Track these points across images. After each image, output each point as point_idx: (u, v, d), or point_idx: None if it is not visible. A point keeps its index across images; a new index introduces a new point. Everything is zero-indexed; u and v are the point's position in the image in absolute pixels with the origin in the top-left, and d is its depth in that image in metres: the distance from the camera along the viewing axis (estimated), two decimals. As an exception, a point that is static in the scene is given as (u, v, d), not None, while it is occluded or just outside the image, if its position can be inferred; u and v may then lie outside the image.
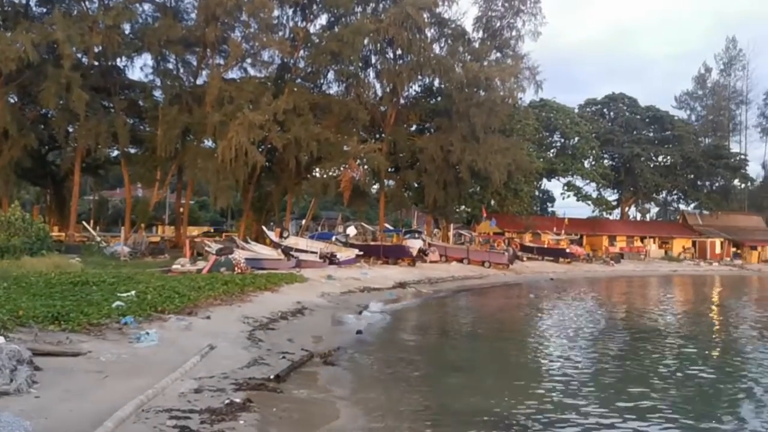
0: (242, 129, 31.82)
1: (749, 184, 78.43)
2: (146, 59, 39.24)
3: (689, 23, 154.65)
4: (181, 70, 40.08)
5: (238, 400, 7.63)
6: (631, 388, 10.29)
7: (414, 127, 47.42)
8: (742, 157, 74.75)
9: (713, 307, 26.59)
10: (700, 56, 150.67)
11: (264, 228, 36.38)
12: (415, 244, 37.26)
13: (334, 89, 43.12)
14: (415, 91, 46.42)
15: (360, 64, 41.50)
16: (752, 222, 71.95)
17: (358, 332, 14.42)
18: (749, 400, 10.06)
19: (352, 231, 38.72)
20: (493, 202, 53.24)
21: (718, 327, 20.02)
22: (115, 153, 42.69)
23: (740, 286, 41.00)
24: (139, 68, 43.60)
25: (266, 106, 32.99)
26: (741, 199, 76.27)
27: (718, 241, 65.05)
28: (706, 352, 14.93)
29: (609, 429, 7.98)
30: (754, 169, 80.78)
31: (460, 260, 39.81)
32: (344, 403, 8.62)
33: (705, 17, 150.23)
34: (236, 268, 23.37)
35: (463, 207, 54.48)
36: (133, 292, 14.20)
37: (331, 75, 42.11)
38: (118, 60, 39.05)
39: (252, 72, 40.14)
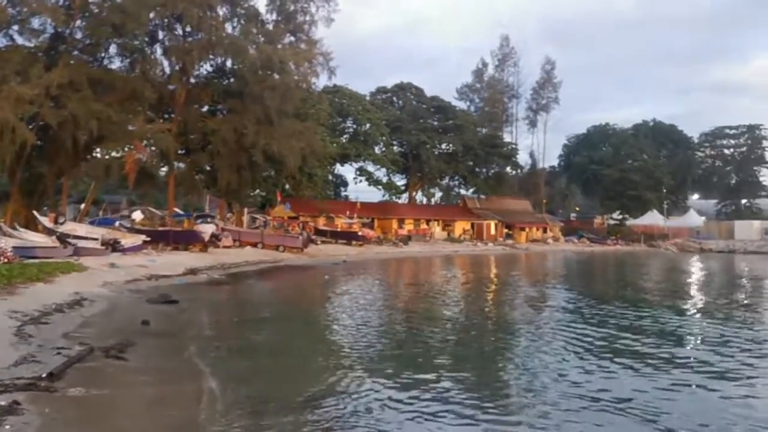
0: (8, 104, 28.50)
1: (519, 170, 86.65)
2: None
3: (468, 20, 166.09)
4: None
5: (2, 403, 6.85)
6: (419, 361, 10.85)
7: (206, 108, 45.73)
8: (514, 146, 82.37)
9: (487, 281, 28.99)
10: (480, 51, 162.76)
11: (36, 213, 33.01)
12: (207, 229, 36.14)
13: (117, 64, 40.12)
14: (206, 70, 44.68)
15: (146, 39, 39.08)
16: (521, 205, 79.50)
17: (145, 322, 13.57)
18: (519, 356, 11.07)
19: (138, 216, 36.63)
20: (287, 186, 53.27)
21: (491, 296, 21.84)
22: None
23: (510, 261, 45.50)
24: None
25: (37, 79, 29.87)
26: (512, 184, 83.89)
27: (492, 223, 70.94)
28: (488, 321, 16.19)
29: (401, 403, 8.28)
30: (523, 158, 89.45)
31: (255, 245, 39.36)
32: (127, 398, 8.09)
33: (484, 15, 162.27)
34: (1, 257, 21.01)
35: (257, 191, 53.93)
36: None
37: (113, 49, 39.16)
38: None
39: (20, 41, 36.10)
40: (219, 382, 9.03)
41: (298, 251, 40.10)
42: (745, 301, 21.78)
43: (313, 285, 26.84)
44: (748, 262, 48.40)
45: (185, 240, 34.48)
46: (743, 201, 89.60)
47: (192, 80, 42.36)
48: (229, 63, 43.31)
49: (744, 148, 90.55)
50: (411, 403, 8.23)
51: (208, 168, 45.34)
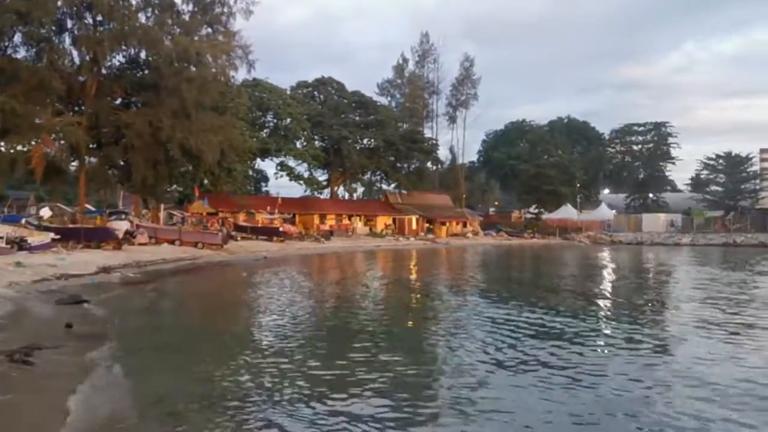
0: None
1: (439, 166, 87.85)
2: None
3: (388, 16, 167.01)
4: None
5: None
6: (344, 352, 10.81)
7: (119, 101, 44.10)
8: (434, 142, 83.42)
9: (407, 276, 29.28)
10: (400, 47, 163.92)
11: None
12: (121, 226, 35.00)
13: (21, 53, 38.18)
14: (119, 61, 43.10)
15: (53, 28, 37.38)
16: (442, 200, 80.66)
17: (68, 326, 12.90)
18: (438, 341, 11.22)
19: (46, 212, 35.05)
20: (206, 181, 52.15)
21: (408, 292, 22.07)
22: None
23: (431, 256, 46.12)
24: None
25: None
26: (433, 179, 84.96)
27: (414, 218, 71.67)
28: (403, 312, 16.33)
29: (317, 402, 8.22)
30: (443, 153, 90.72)
31: (172, 242, 38.30)
32: (34, 406, 7.69)
33: (404, 11, 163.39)
34: None
35: (174, 186, 52.50)
36: None
37: (18, 38, 37.21)
38: None
39: None
40: (140, 382, 8.74)
41: (218, 248, 39.29)
42: (650, 296, 22.81)
43: (232, 282, 26.39)
44: (654, 253, 50.80)
45: (97, 237, 33.14)
46: (650, 195, 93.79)
47: (104, 71, 40.82)
48: (143, 54, 41.87)
49: (651, 145, 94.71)
50: (324, 402, 8.18)
51: (121, 163, 43.77)
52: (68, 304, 16.22)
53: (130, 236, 35.24)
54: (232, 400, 8.18)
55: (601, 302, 19.41)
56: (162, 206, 49.08)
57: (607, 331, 13.96)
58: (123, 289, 21.57)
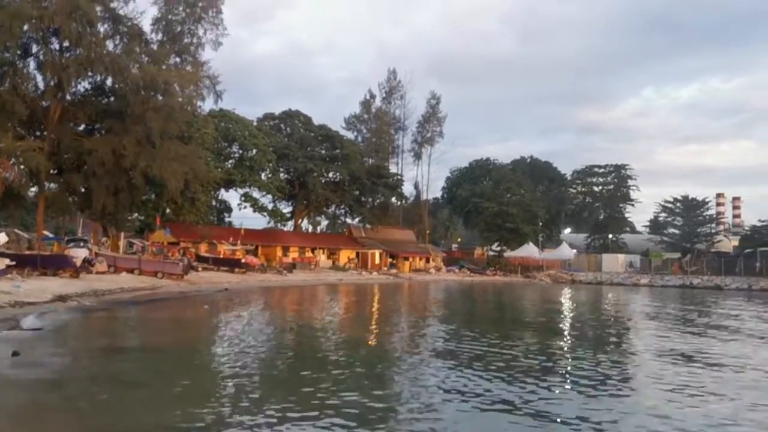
0: None
1: (404, 201, 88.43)
2: None
3: (357, 51, 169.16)
4: None
5: None
6: (303, 385, 10.73)
7: (83, 127, 43.72)
8: (399, 177, 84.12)
9: (369, 311, 29.20)
10: (368, 83, 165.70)
11: None
12: (79, 254, 34.31)
13: (-16, 77, 37.73)
14: (84, 87, 42.89)
15: (18, 52, 37.05)
16: (405, 235, 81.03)
17: (15, 353, 12.56)
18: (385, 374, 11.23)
19: (2, 238, 34.21)
20: (168, 210, 51.63)
21: (369, 327, 22.03)
22: None
23: (393, 290, 45.95)
24: None
25: None
26: (397, 214, 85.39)
27: (377, 252, 71.74)
28: (360, 348, 16.29)
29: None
30: (408, 189, 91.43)
31: (131, 271, 37.69)
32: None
33: (373, 47, 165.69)
34: None
35: (135, 215, 51.85)
36: None
37: (-20, 60, 36.82)
38: None
39: None
40: (91, 414, 8.56)
41: (178, 278, 38.78)
42: (610, 336, 23.14)
43: (192, 314, 25.99)
44: (614, 293, 51.50)
45: (54, 265, 32.47)
46: (610, 236, 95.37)
47: (68, 97, 40.48)
48: (109, 81, 41.72)
49: (611, 187, 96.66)
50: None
51: (82, 189, 43.17)
52: (20, 330, 15.85)
53: (88, 264, 34.60)
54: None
55: (562, 342, 19.61)
56: (122, 234, 48.36)
57: (569, 368, 14.11)
58: (78, 318, 21.12)
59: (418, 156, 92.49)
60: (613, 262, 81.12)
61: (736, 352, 16.71)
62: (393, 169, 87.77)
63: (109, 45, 40.08)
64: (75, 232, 50.56)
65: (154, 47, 42.44)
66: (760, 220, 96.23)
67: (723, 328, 23.40)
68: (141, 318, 23.84)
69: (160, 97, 40.46)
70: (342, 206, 79.68)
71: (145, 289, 33.14)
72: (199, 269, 45.41)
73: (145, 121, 38.64)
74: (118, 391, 10.50)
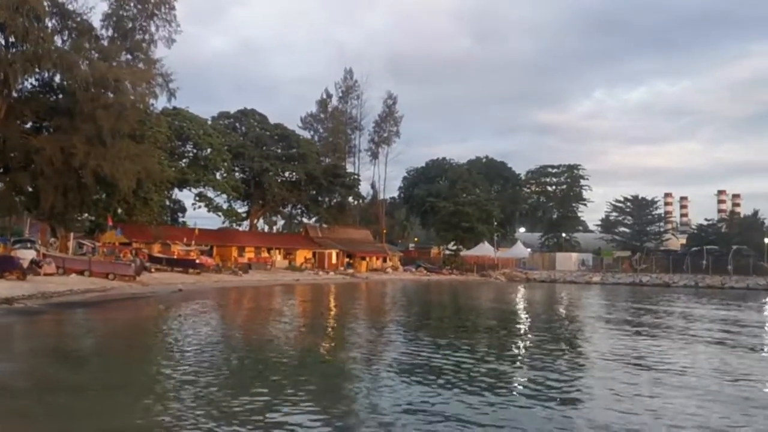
0: None
1: (361, 201, 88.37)
2: None
3: (313, 50, 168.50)
4: None
5: None
6: (255, 385, 10.62)
7: (30, 125, 42.52)
8: (356, 177, 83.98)
9: (324, 311, 29.14)
10: (324, 82, 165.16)
11: None
12: (26, 255, 33.41)
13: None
14: (31, 84, 41.72)
15: (-39, 48, 35.89)
16: (362, 235, 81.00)
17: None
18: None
19: (-56, 240, 33.07)
20: (120, 210, 50.57)
21: (323, 328, 21.98)
22: None
23: (349, 290, 46.08)
24: None
25: None
26: (354, 214, 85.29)
27: (334, 252, 71.57)
28: (314, 353, 16.23)
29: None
30: (364, 188, 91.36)
31: (82, 272, 36.79)
32: None
33: (326, 47, 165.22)
34: None
35: (85, 215, 50.65)
36: None
37: None
38: None
39: None
40: (45, 422, 8.34)
41: (130, 279, 38.01)
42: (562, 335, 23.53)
43: (143, 316, 25.53)
44: (567, 291, 52.42)
45: (0, 267, 31.48)
46: (563, 234, 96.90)
47: (14, 94, 39.29)
48: (57, 78, 40.67)
49: (564, 186, 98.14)
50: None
51: (29, 189, 41.98)
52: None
53: (35, 266, 33.67)
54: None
55: (515, 347, 19.86)
56: (71, 235, 47.20)
57: (520, 376, 14.30)
58: (23, 321, 20.54)
59: (374, 156, 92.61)
60: (567, 261, 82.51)
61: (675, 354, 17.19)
62: (350, 168, 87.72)
63: (58, 41, 39.16)
64: (22, 233, 49.07)
65: (105, 44, 41.52)
66: (706, 219, 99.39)
67: (667, 328, 24.04)
68: (90, 320, 23.31)
69: (110, 95, 39.60)
70: (298, 206, 79.25)
71: (96, 291, 32.42)
72: (153, 270, 44.59)
73: (96, 119, 37.75)
74: (64, 396, 10.24)
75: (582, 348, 18.00)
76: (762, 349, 18.20)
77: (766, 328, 25.59)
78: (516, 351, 16.98)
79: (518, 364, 14.79)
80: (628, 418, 9.31)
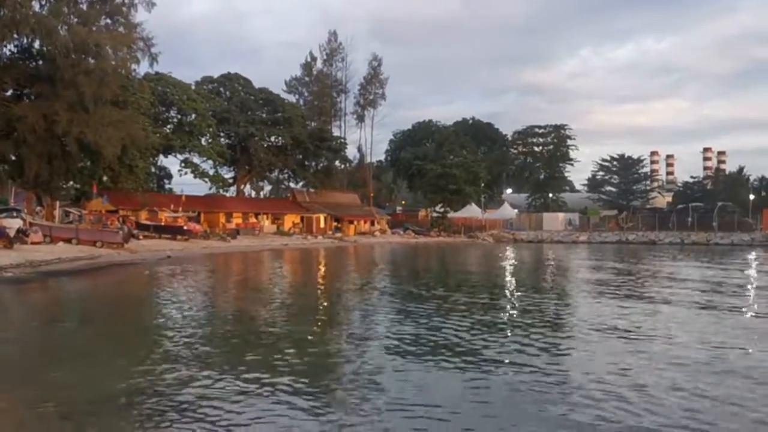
0: None
1: (347, 165, 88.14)
2: None
3: (296, 13, 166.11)
4: None
5: None
6: (247, 353, 10.79)
7: (10, 93, 41.89)
8: (342, 140, 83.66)
9: (313, 275, 29.36)
10: (309, 45, 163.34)
11: None
12: (13, 224, 33.20)
13: None
14: (10, 51, 40.95)
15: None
16: (350, 199, 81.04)
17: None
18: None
19: (-72, 210, 32.83)
20: (105, 178, 50.28)
21: (313, 291, 22.19)
22: None
23: (338, 254, 46.43)
24: None
25: None
26: (341, 178, 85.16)
27: (322, 216, 71.66)
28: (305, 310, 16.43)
29: (221, 400, 8.21)
30: (351, 152, 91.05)
31: (69, 240, 36.69)
32: None
33: (313, 9, 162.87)
34: None
35: (71, 183, 50.32)
36: None
37: None
38: None
39: None
40: (40, 388, 8.44)
41: (118, 246, 37.96)
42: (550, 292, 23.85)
43: (132, 282, 25.64)
44: (554, 251, 52.94)
45: (-14, 236, 31.36)
46: (550, 195, 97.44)
47: (-6, 61, 38.66)
48: (37, 44, 39.95)
49: (551, 147, 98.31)
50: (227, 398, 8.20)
51: (13, 157, 41.57)
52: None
53: (22, 235, 33.54)
54: (119, 405, 8.04)
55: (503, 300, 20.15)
56: (57, 203, 46.94)
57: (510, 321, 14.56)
58: (11, 290, 20.58)
59: (360, 119, 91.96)
60: (554, 221, 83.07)
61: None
62: (336, 132, 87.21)
63: (35, 5, 38.31)
64: (7, 202, 48.69)
65: (84, 8, 40.71)
66: (692, 177, 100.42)
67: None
68: (80, 288, 23.39)
69: (91, 61, 39.03)
70: (285, 171, 78.96)
71: (84, 259, 32.42)
72: (140, 237, 44.54)
73: (77, 85, 37.26)
74: (54, 364, 10.34)
75: (560, 314, 18.32)
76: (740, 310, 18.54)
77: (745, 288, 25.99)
78: (499, 316, 17.26)
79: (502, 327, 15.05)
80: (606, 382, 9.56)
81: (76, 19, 39.24)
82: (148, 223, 49.33)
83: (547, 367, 9.87)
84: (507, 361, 10.39)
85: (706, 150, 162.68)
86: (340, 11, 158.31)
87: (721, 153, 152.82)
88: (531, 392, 8.44)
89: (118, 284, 24.84)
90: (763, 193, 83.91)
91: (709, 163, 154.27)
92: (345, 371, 9.86)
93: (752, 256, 44.03)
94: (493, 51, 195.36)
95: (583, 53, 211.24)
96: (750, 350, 11.37)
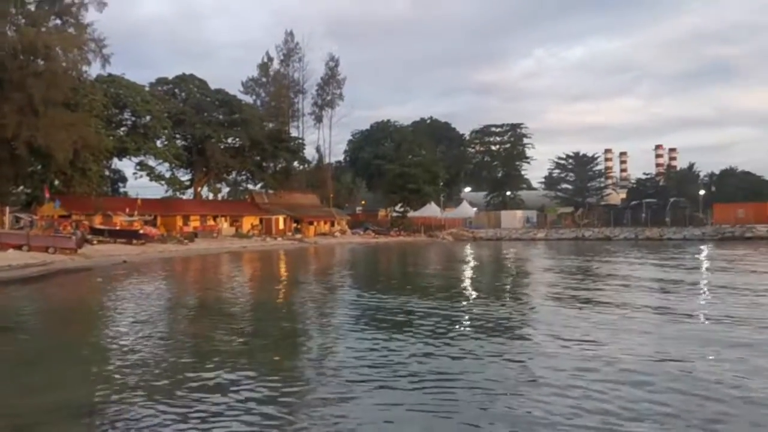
0: None
1: (306, 165, 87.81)
2: None
3: (251, 14, 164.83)
4: None
5: None
6: (205, 360, 10.66)
7: (-45, 96, 40.66)
8: (300, 141, 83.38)
9: (271, 276, 29.18)
10: (265, 46, 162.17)
11: None
12: (-41, 232, 32.28)
13: None
14: (-45, 53, 39.73)
15: None
16: (309, 200, 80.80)
17: None
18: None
19: None
20: (57, 182, 49.14)
21: (272, 293, 22.06)
22: None
23: (298, 255, 46.26)
24: None
25: None
26: (300, 179, 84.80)
27: (281, 218, 71.29)
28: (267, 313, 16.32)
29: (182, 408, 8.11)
30: (310, 153, 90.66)
31: (19, 247, 35.74)
32: None
33: (268, 9, 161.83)
34: None
35: (21, 188, 49.04)
36: None
37: None
38: None
39: None
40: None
41: (72, 252, 37.11)
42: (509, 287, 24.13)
43: (86, 289, 25.09)
44: (513, 248, 53.57)
45: (-69, 244, 30.39)
46: (508, 193, 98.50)
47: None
48: (-17, 46, 38.84)
49: (508, 145, 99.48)
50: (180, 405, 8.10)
51: (-41, 162, 40.38)
52: None
53: (-31, 242, 32.62)
54: (79, 413, 7.89)
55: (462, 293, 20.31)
56: (7, 209, 45.67)
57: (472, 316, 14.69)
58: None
59: (318, 119, 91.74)
60: (512, 218, 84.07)
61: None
62: (294, 133, 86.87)
63: (-20, 6, 37.30)
64: (-47, 209, 47.31)
65: (32, 8, 39.76)
66: (644, 173, 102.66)
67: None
68: (30, 296, 22.78)
69: (41, 62, 38.17)
70: (243, 172, 78.31)
71: (36, 266, 31.57)
72: (95, 242, 43.60)
73: (26, 87, 36.46)
74: (9, 371, 10.10)
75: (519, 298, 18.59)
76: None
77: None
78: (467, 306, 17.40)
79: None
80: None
81: (24, 20, 38.35)
82: (102, 227, 48.33)
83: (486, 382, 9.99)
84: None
85: (658, 147, 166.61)
86: (296, 11, 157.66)
87: (672, 150, 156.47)
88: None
89: (69, 291, 24.28)
90: (713, 189, 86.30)
91: (661, 160, 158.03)
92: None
93: (703, 251, 45.23)
94: (447, 51, 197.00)
95: (536, 53, 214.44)
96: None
